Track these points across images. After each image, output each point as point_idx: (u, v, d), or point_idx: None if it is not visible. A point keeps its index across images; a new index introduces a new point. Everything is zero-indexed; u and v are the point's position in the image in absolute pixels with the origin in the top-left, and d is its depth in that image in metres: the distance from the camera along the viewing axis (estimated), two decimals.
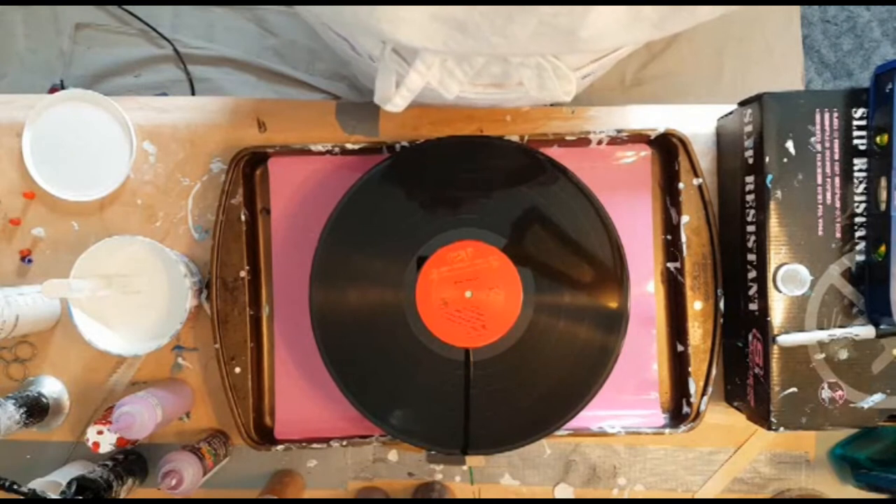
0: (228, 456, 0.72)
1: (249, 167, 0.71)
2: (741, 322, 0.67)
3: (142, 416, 0.61)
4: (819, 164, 0.62)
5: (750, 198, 0.65)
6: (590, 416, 0.69)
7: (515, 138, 0.68)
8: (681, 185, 0.69)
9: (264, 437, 0.71)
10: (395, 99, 0.51)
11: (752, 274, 0.65)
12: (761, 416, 0.64)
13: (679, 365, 0.71)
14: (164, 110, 0.73)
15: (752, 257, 0.65)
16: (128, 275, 0.67)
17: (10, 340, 0.72)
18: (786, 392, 0.62)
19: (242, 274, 0.69)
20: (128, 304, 0.67)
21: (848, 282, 0.63)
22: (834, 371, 0.63)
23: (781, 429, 0.63)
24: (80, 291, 0.62)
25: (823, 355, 0.62)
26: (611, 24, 0.40)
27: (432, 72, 0.49)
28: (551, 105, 0.75)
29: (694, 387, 0.69)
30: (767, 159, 0.62)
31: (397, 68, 0.50)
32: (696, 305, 0.69)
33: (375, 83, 0.52)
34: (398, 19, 0.41)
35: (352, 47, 0.55)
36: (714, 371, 0.68)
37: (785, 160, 0.62)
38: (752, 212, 0.65)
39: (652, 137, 0.70)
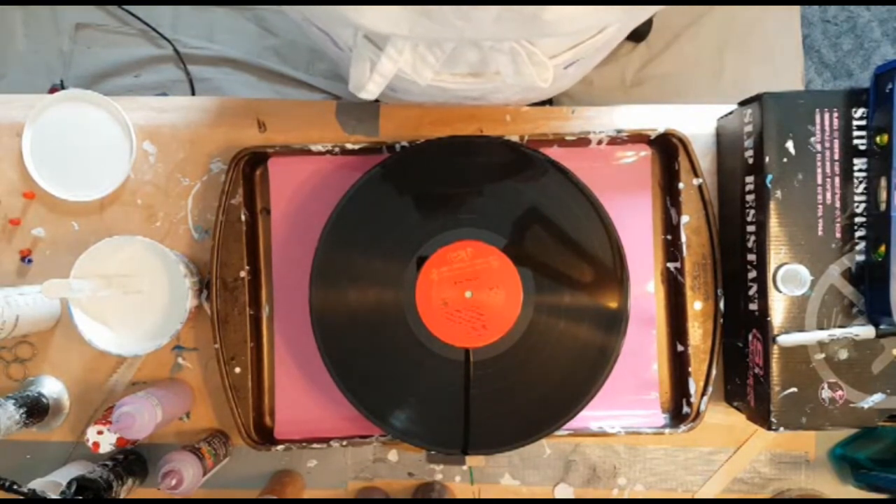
0: (228, 456, 0.72)
1: (249, 167, 0.71)
2: (741, 322, 0.67)
3: (142, 416, 0.61)
4: (819, 164, 0.62)
5: (750, 198, 0.65)
6: (590, 416, 0.69)
7: (515, 138, 0.68)
8: (681, 185, 0.69)
9: (264, 437, 0.71)
10: (368, 86, 0.51)
11: (752, 274, 0.65)
12: (761, 416, 0.64)
13: (679, 365, 0.71)
14: (164, 110, 0.73)
15: (752, 257, 0.65)
16: (128, 275, 0.67)
17: (10, 340, 0.72)
18: (786, 392, 0.62)
19: (242, 274, 0.69)
20: (128, 304, 0.67)
21: (848, 282, 0.63)
22: (834, 371, 0.63)
23: (781, 429, 0.63)
24: (80, 291, 0.62)
25: (823, 355, 0.62)
26: (574, 8, 0.41)
27: (404, 57, 0.49)
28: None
29: (694, 387, 0.69)
30: (767, 159, 0.62)
31: (370, 55, 0.50)
32: (696, 305, 0.69)
33: (350, 71, 0.52)
34: (363, 5, 0.42)
35: (333, 42, 0.56)
36: (714, 371, 0.68)
37: (785, 160, 0.62)
38: (752, 212, 0.65)
39: (652, 137, 0.70)
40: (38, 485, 0.64)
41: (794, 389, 0.62)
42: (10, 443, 0.72)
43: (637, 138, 0.70)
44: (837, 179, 0.62)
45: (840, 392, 0.63)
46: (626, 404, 0.71)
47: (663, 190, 0.72)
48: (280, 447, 0.68)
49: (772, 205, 0.62)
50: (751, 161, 0.65)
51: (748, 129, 0.65)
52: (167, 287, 0.68)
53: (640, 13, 0.49)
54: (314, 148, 0.69)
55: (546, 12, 0.41)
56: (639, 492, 0.73)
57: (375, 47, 0.50)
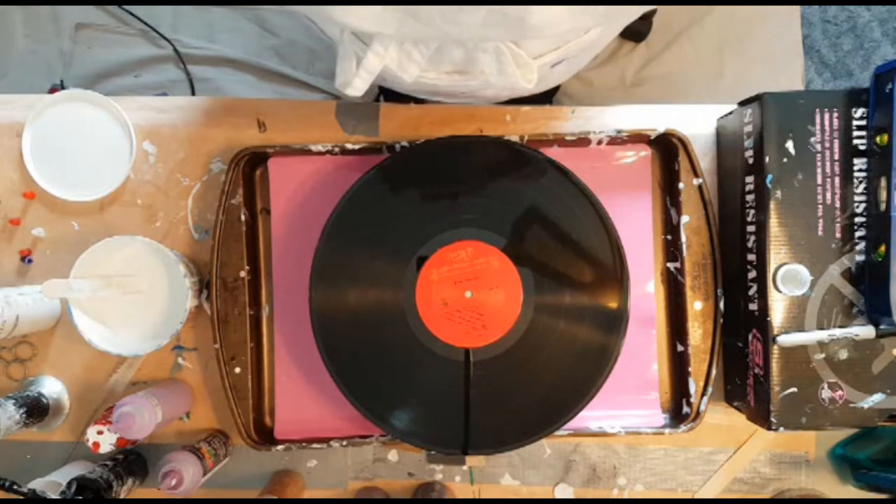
0: (228, 456, 0.72)
1: (249, 167, 0.71)
2: (741, 322, 0.67)
3: (142, 416, 0.61)
4: (819, 164, 0.62)
5: (750, 198, 0.65)
6: (590, 416, 0.69)
7: (515, 138, 0.68)
8: (681, 185, 0.69)
9: (264, 437, 0.71)
10: (354, 82, 0.51)
11: (752, 274, 0.65)
12: (761, 416, 0.64)
13: (679, 365, 0.71)
14: (164, 110, 0.73)
15: (752, 257, 0.65)
16: (128, 275, 0.67)
17: (10, 340, 0.72)
18: (786, 392, 0.62)
19: (242, 274, 0.69)
20: (128, 304, 0.67)
21: (848, 282, 0.63)
22: (834, 371, 0.63)
23: (781, 429, 0.63)
24: (80, 291, 0.62)
25: (823, 355, 0.62)
26: (558, 12, 0.41)
27: (390, 54, 0.49)
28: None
29: (694, 387, 0.69)
30: (767, 159, 0.62)
31: (357, 50, 0.50)
32: (696, 305, 0.69)
33: (336, 68, 0.52)
34: (350, 5, 0.42)
35: (323, 33, 0.56)
36: (714, 371, 0.68)
37: (785, 160, 0.62)
38: (752, 212, 0.65)
39: (652, 137, 0.70)
40: (38, 485, 0.64)
41: (794, 389, 0.62)
42: (10, 443, 0.72)
43: (637, 138, 0.70)
44: (837, 179, 0.62)
45: (840, 392, 0.63)
46: (626, 404, 0.71)
47: (663, 190, 0.72)
48: (280, 447, 0.68)
49: (772, 205, 0.62)
50: (751, 161, 0.65)
51: (748, 129, 0.65)
52: (167, 287, 0.68)
53: (624, 16, 0.49)
54: (314, 148, 0.69)
55: (531, 16, 0.41)
56: (639, 492, 0.73)
57: (362, 43, 0.50)
